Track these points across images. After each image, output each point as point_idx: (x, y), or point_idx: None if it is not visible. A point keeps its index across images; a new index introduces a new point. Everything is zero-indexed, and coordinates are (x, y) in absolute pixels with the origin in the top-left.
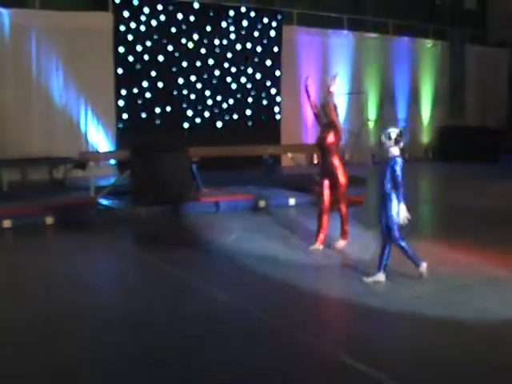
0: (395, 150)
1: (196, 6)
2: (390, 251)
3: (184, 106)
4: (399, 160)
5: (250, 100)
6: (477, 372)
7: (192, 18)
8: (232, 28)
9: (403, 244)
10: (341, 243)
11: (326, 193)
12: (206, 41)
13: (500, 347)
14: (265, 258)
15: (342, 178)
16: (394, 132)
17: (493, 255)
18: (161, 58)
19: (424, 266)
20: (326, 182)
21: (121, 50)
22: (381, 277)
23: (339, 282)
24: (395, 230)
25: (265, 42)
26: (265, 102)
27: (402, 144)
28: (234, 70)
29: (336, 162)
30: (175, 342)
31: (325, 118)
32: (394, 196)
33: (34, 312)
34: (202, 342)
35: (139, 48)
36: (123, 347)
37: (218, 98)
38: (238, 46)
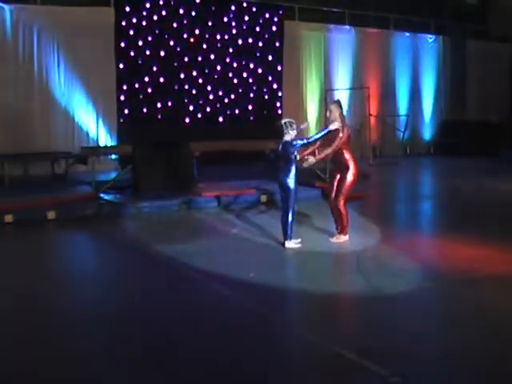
0: (287, 137)
1: (197, 0)
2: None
3: (185, 100)
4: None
5: (251, 95)
6: (477, 369)
7: (193, 13)
8: (233, 23)
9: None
10: (343, 238)
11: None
12: (207, 35)
13: (501, 345)
14: (266, 251)
15: (350, 176)
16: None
17: (494, 251)
18: (162, 53)
19: (288, 244)
20: (338, 176)
21: (122, 44)
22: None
23: (339, 276)
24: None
25: (266, 36)
26: (266, 97)
27: (288, 132)
28: (235, 64)
29: (348, 157)
30: (168, 334)
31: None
32: (292, 167)
33: (32, 307)
34: (200, 336)
35: (140, 43)
36: (117, 340)
37: (220, 92)
38: (240, 41)
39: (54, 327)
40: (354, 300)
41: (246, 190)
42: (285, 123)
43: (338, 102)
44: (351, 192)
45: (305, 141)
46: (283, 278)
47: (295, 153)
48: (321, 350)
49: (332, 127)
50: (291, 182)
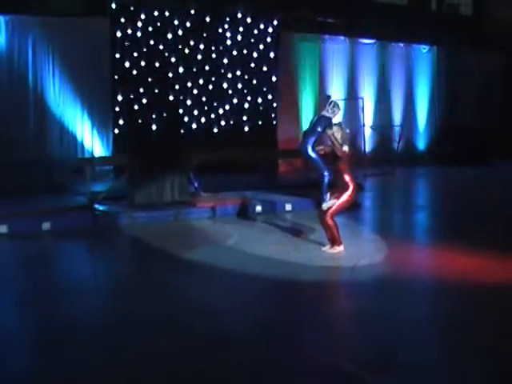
0: (325, 112)
1: (192, 11)
2: None
3: (180, 111)
4: None
5: (246, 105)
6: (473, 374)
7: (188, 24)
8: (228, 33)
9: None
10: (337, 248)
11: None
12: (202, 46)
13: (495, 352)
14: (260, 262)
15: (345, 196)
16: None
17: (490, 261)
18: (157, 64)
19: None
20: (335, 195)
21: (117, 55)
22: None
23: (332, 287)
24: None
25: (261, 47)
26: (261, 108)
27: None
28: (230, 75)
29: (348, 179)
30: (162, 343)
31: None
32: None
33: (30, 317)
34: (195, 347)
35: (135, 53)
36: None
37: (215, 103)
38: (235, 52)
39: (54, 335)
40: (349, 311)
41: (240, 201)
42: (332, 101)
43: (340, 125)
44: (342, 211)
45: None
46: (277, 289)
47: (321, 129)
48: (317, 360)
49: (346, 149)
50: (309, 150)
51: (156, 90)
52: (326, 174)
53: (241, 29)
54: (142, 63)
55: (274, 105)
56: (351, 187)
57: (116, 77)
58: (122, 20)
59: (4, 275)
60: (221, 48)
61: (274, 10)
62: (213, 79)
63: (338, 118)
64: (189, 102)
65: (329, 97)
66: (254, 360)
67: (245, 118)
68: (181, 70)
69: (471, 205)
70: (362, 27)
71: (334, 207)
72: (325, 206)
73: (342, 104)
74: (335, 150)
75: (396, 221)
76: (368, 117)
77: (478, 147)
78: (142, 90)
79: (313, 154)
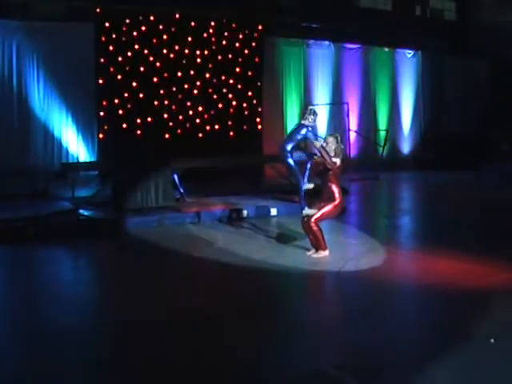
0: (305, 121)
1: (177, 16)
2: None
3: (165, 116)
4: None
5: (231, 110)
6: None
7: (173, 29)
8: (213, 38)
9: None
10: (322, 253)
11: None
12: (187, 51)
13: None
14: (243, 267)
15: (331, 206)
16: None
17: (474, 265)
18: (142, 69)
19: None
20: (322, 204)
21: (102, 60)
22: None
23: (317, 292)
24: None
25: (246, 52)
26: (246, 113)
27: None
28: (215, 80)
29: (336, 190)
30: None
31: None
32: (290, 145)
33: (13, 322)
34: (167, 353)
35: (120, 58)
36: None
37: (199, 108)
38: (219, 57)
39: (36, 340)
40: (334, 315)
41: (225, 206)
42: (310, 109)
43: (336, 137)
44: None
45: (313, 140)
46: (262, 294)
47: (300, 137)
48: (303, 364)
49: (337, 161)
50: (288, 157)
51: (141, 95)
52: (302, 180)
53: (226, 34)
54: (127, 68)
55: (259, 110)
56: (338, 200)
57: (101, 82)
58: (107, 25)
59: None
60: (206, 53)
61: (258, 16)
62: (198, 84)
63: (318, 124)
64: (173, 107)
65: (307, 106)
66: (239, 365)
67: (230, 122)
68: (166, 74)
69: (456, 209)
70: (346, 32)
71: (318, 214)
72: (305, 212)
73: (326, 109)
74: (325, 162)
75: (381, 225)
76: (353, 121)
77: (463, 151)
78: (126, 95)
79: (290, 161)
